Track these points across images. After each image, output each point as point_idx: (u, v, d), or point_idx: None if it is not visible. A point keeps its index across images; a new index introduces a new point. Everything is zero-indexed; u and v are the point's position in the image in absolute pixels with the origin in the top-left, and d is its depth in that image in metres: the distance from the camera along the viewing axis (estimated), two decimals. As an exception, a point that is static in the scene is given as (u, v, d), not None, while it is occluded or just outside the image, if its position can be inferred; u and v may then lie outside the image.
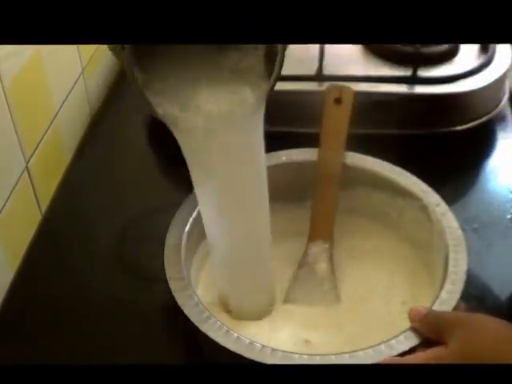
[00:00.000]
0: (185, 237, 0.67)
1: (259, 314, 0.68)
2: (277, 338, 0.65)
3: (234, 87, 0.55)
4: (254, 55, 0.56)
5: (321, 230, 0.72)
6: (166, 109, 0.55)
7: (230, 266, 0.65)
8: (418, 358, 0.55)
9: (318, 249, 0.71)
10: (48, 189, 0.89)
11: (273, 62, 0.56)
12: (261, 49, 0.56)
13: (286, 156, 0.76)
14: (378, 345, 0.57)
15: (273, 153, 0.76)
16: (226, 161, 0.58)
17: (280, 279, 0.71)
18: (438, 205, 0.70)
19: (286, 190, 0.76)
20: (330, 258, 0.71)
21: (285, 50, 0.55)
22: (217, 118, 0.55)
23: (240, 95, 0.55)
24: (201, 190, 0.61)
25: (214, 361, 0.64)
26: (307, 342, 0.65)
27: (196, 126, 0.55)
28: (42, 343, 0.71)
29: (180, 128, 0.56)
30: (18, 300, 0.76)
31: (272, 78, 0.56)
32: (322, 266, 0.70)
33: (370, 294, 0.70)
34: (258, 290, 0.68)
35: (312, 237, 0.72)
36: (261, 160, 0.59)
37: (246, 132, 0.57)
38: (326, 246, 0.71)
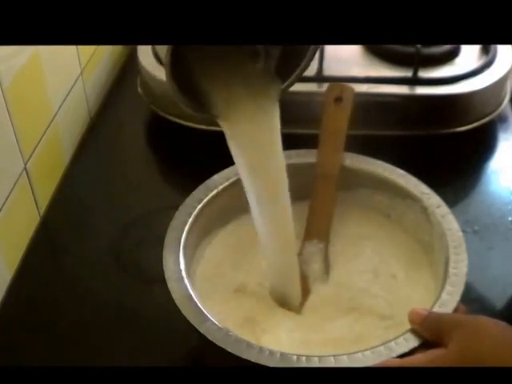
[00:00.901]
0: (184, 237, 0.67)
1: (287, 303, 0.69)
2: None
3: (259, 87, 0.64)
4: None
5: (317, 230, 0.72)
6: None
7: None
8: (418, 359, 0.55)
9: (313, 248, 0.71)
10: (46, 190, 0.90)
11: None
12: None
13: (285, 157, 0.76)
14: (377, 346, 0.57)
15: None
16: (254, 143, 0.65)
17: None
18: (438, 206, 0.70)
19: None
20: (325, 258, 0.71)
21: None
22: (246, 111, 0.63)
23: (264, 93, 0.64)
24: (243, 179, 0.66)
25: (212, 362, 0.64)
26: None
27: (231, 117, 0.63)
28: (40, 345, 0.71)
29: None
30: (16, 302, 0.76)
31: (294, 74, 0.65)
32: (316, 267, 0.71)
33: (360, 271, 0.71)
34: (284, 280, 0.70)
35: (308, 236, 0.72)
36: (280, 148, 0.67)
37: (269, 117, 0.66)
38: (321, 245, 0.71)
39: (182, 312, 0.60)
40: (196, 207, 0.70)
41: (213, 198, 0.72)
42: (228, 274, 0.71)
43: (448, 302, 0.60)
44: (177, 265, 0.64)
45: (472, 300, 0.71)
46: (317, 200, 0.73)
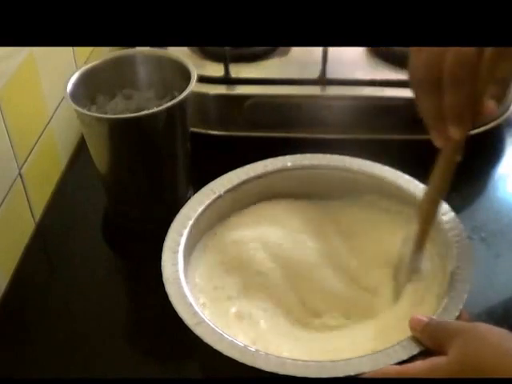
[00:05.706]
0: (183, 240, 0.68)
1: None
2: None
3: None
4: None
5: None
6: None
7: None
8: (417, 367, 0.55)
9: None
10: (42, 196, 0.90)
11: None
12: None
13: (291, 161, 0.77)
14: (376, 353, 0.58)
15: (278, 157, 0.76)
16: None
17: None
18: (444, 213, 0.70)
19: (290, 194, 0.77)
20: None
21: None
22: None
23: None
24: None
25: (207, 365, 0.65)
26: None
27: None
28: (36, 354, 0.72)
29: None
30: (11, 308, 0.77)
31: None
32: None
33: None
34: None
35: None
36: None
37: None
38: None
39: (178, 314, 0.61)
40: (197, 210, 0.71)
41: (214, 201, 0.73)
42: (227, 276, 0.71)
43: (451, 309, 0.61)
44: (175, 267, 0.65)
45: (478, 308, 0.71)
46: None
